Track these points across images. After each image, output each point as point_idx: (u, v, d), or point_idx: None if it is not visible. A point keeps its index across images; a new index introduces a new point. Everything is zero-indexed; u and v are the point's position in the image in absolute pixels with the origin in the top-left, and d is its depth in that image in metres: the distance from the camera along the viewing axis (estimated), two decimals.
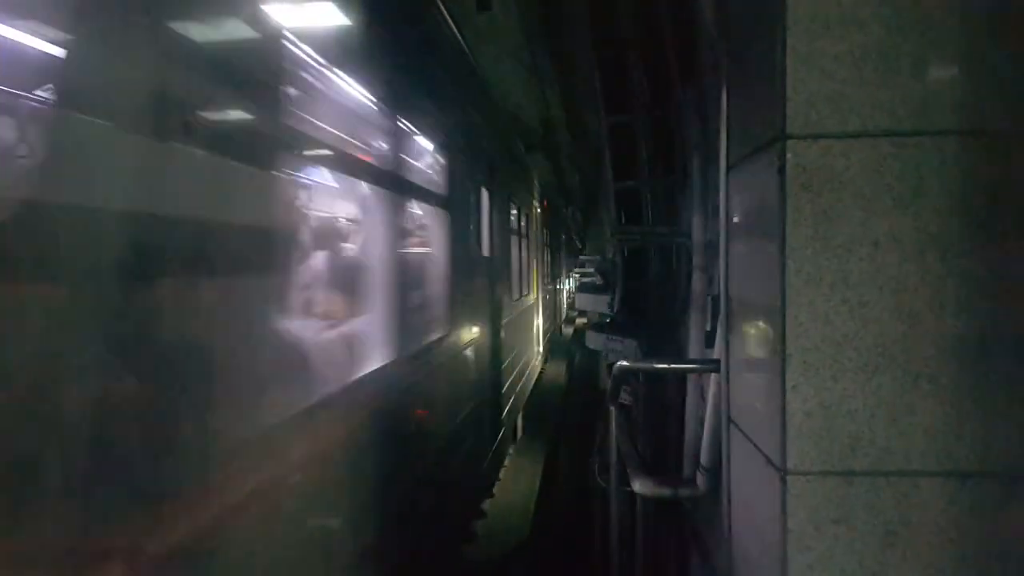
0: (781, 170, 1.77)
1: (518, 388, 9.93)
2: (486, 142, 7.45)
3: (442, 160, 5.43)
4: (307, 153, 3.15)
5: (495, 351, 7.72)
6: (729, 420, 2.39)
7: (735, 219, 2.38)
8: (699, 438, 3.00)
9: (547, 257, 16.56)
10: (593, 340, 5.73)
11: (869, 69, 1.75)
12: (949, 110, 1.74)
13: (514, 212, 9.58)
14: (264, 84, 2.52)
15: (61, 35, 1.72)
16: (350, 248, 4.55)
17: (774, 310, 1.82)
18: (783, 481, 1.79)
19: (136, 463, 1.75)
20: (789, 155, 1.77)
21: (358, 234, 4.54)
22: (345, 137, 4.17)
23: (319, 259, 4.23)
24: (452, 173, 5.54)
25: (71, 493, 1.58)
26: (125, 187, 1.74)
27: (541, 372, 14.60)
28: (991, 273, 1.73)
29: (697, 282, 3.57)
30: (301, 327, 3.57)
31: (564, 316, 25.66)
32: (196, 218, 2.01)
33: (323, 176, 4.67)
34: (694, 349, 3.54)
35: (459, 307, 5.77)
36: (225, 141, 2.22)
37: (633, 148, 5.05)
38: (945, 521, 1.75)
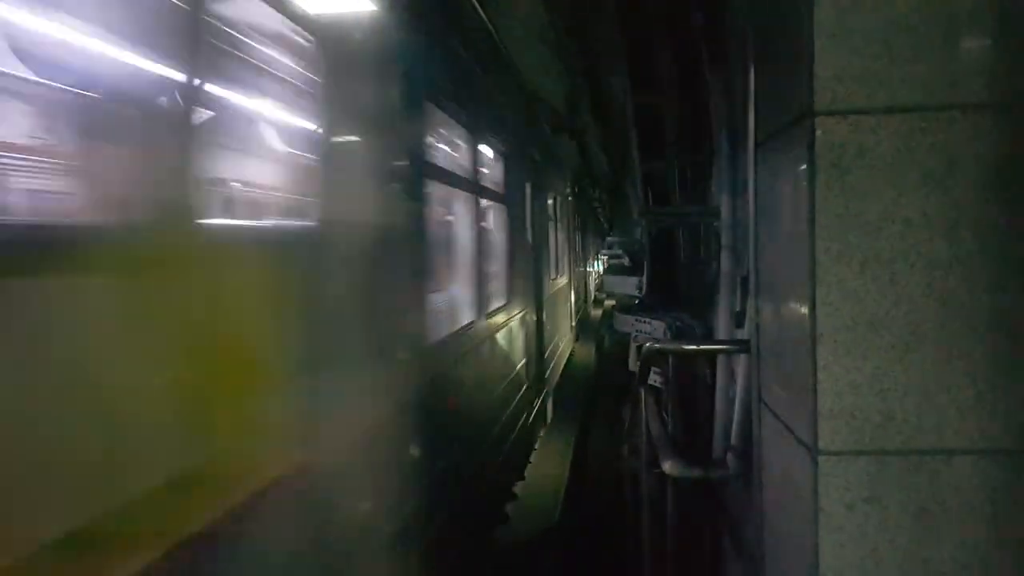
0: (810, 147, 1.75)
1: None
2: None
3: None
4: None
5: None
6: (760, 400, 2.38)
7: (764, 198, 2.37)
8: (729, 419, 3.00)
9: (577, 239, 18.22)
10: (622, 322, 5.72)
11: (899, 43, 1.72)
12: (982, 84, 1.71)
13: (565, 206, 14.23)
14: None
15: None
16: None
17: (804, 289, 1.81)
18: (814, 461, 1.78)
19: None
20: (818, 132, 1.75)
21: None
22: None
23: None
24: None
25: None
26: None
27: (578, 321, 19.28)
28: None
29: (726, 262, 3.55)
30: None
31: (592, 298, 25.61)
32: None
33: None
34: (724, 330, 3.53)
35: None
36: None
37: (660, 128, 5.01)
38: (979, 499, 1.74)
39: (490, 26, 6.09)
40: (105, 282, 1.78)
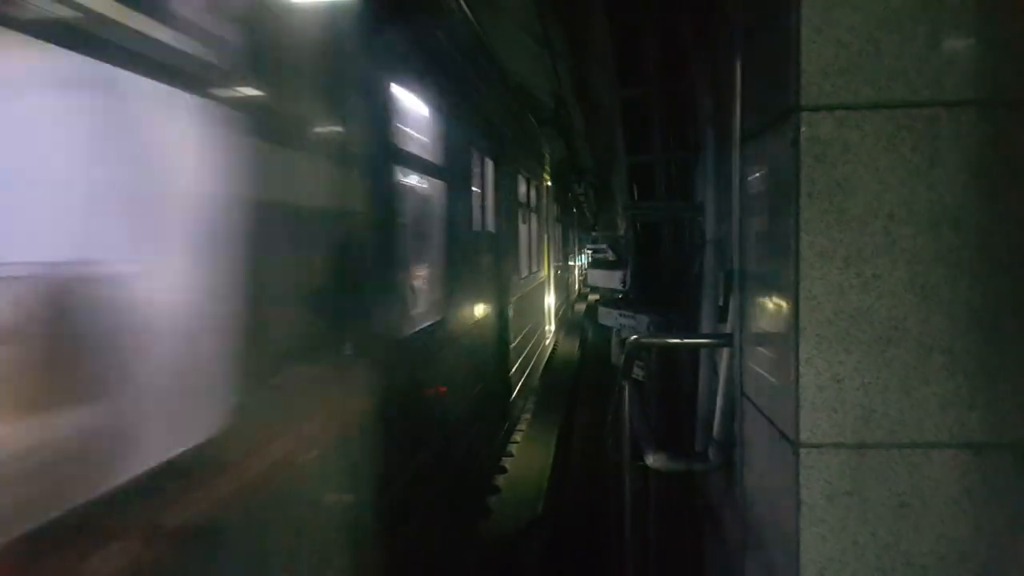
0: (795, 142, 1.76)
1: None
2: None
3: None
4: None
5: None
6: (742, 394, 2.39)
7: (748, 192, 2.37)
8: (712, 412, 3.00)
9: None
10: (605, 316, 5.73)
11: (884, 39, 1.73)
12: (966, 80, 1.72)
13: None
14: None
15: None
16: None
17: (787, 283, 1.82)
18: (796, 454, 1.79)
19: None
20: (803, 127, 1.75)
21: None
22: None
23: None
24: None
25: None
26: None
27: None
28: (1006, 245, 1.72)
29: (710, 256, 3.56)
30: None
31: (576, 292, 25.67)
32: None
33: None
34: (707, 323, 3.54)
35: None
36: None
37: (646, 122, 5.01)
38: (958, 492, 1.76)
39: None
40: None
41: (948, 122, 1.72)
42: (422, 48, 4.29)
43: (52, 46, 1.58)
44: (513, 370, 8.14)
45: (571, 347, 17.11)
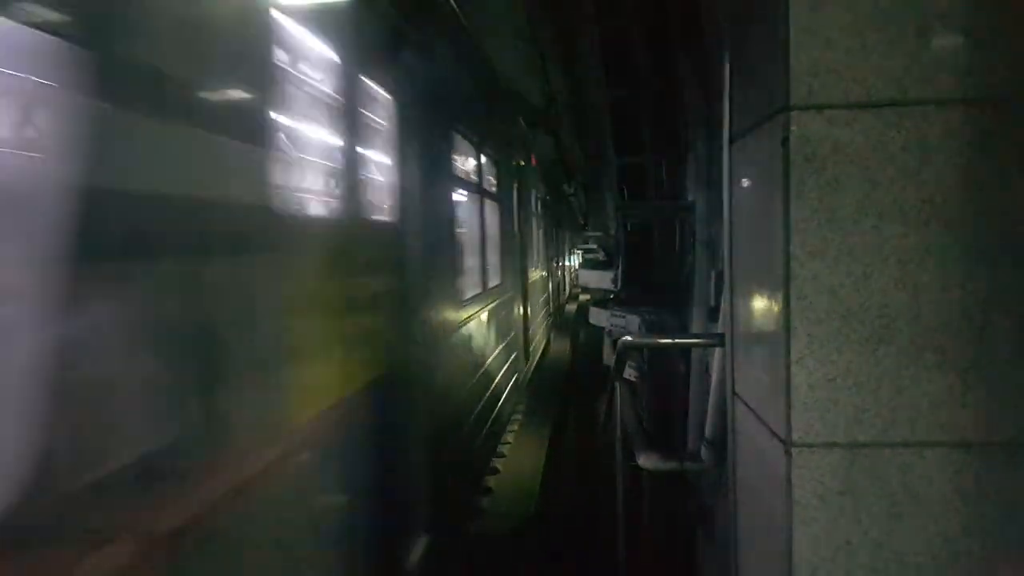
0: (784, 142, 1.76)
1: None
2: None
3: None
4: None
5: None
6: (734, 394, 2.39)
7: (738, 192, 2.37)
8: (704, 412, 3.01)
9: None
10: (597, 316, 5.73)
11: (872, 38, 1.73)
12: (954, 79, 1.72)
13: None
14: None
15: None
16: None
17: (778, 283, 1.81)
18: (788, 453, 1.79)
19: None
20: (792, 127, 1.75)
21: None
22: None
23: None
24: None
25: None
26: None
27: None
28: (996, 243, 1.72)
29: (701, 256, 3.57)
30: None
31: (568, 293, 25.70)
32: None
33: None
34: (698, 324, 3.55)
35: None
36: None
37: (635, 122, 5.02)
38: (950, 491, 1.76)
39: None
40: None
41: (937, 121, 1.72)
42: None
43: None
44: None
45: (563, 346, 17.11)
